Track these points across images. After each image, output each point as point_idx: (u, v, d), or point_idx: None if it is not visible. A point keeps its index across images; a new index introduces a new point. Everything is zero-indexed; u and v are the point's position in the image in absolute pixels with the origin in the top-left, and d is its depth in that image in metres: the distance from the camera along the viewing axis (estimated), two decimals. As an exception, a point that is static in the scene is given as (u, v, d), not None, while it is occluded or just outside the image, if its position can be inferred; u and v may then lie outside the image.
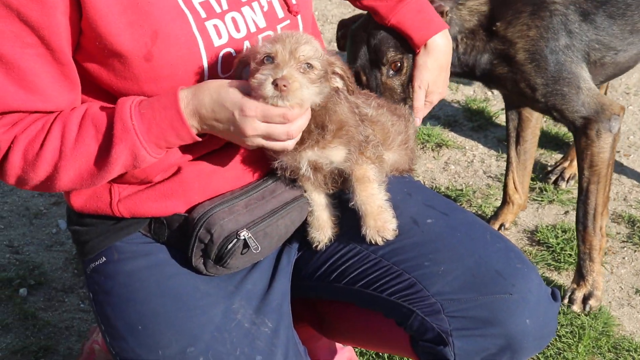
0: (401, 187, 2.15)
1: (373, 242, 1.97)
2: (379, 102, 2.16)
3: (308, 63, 1.77)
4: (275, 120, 1.75)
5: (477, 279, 1.93)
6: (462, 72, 2.98)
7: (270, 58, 1.76)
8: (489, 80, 3.01)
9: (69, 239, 3.51)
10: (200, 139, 1.84)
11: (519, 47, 2.84)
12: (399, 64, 2.56)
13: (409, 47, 2.48)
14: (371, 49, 2.60)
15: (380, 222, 1.96)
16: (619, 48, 2.93)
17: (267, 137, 1.79)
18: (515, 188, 3.44)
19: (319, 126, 1.88)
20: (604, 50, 2.91)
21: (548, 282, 3.20)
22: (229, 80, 1.80)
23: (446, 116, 4.36)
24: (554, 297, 2.01)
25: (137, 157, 1.80)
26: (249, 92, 1.76)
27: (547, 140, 4.11)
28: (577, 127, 2.88)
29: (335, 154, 1.93)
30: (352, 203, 1.97)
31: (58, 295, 3.21)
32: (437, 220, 2.06)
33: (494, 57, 2.90)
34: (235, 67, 1.86)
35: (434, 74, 2.42)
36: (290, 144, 1.83)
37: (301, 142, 1.88)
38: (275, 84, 1.71)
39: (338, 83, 1.89)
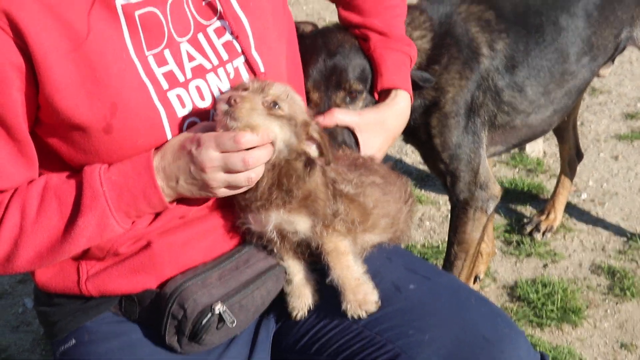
0: (380, 252, 2.09)
1: (355, 317, 1.89)
2: (370, 171, 2.05)
3: (275, 102, 1.75)
4: (227, 146, 1.70)
5: (464, 346, 1.86)
6: None
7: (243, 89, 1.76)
8: (407, 129, 2.84)
9: (36, 318, 3.39)
10: (170, 207, 1.79)
11: (450, 96, 2.75)
12: (356, 96, 2.44)
13: (368, 87, 2.41)
14: (333, 67, 2.44)
15: (361, 295, 1.88)
16: (529, 110, 2.91)
17: (227, 170, 1.73)
18: None
19: (284, 188, 1.82)
20: (513, 113, 2.89)
21: (530, 339, 3.13)
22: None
23: (418, 172, 4.33)
24: None
25: (105, 227, 1.75)
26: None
27: (522, 193, 4.09)
28: (459, 201, 2.86)
29: (299, 222, 1.87)
30: (329, 279, 1.89)
31: (26, 379, 3.09)
32: (420, 285, 2.00)
33: (423, 103, 2.76)
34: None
35: (378, 132, 2.31)
36: (252, 176, 1.76)
37: (268, 202, 1.83)
38: (229, 102, 1.70)
39: (312, 151, 1.83)
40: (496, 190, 2.87)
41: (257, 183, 1.81)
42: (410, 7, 2.81)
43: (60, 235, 1.75)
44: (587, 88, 3.15)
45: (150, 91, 1.78)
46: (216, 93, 1.87)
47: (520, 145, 3.17)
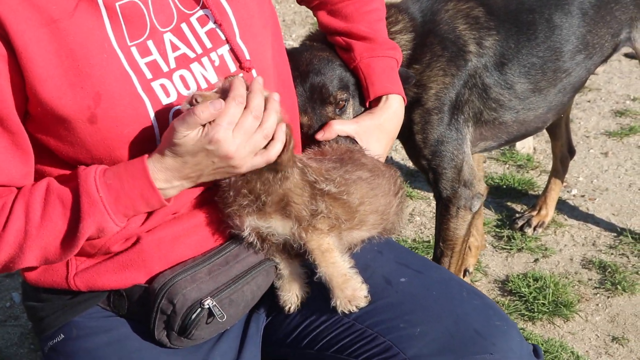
0: (371, 245, 2.08)
1: (346, 312, 1.89)
2: (357, 165, 2.02)
3: None
4: (234, 114, 1.69)
5: (455, 340, 1.86)
6: None
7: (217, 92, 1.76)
8: None
9: (24, 312, 3.36)
10: (168, 204, 1.79)
11: (432, 93, 2.75)
12: (344, 105, 2.43)
13: (352, 91, 2.40)
14: (311, 87, 2.42)
15: (349, 291, 1.87)
16: (520, 107, 2.91)
17: (248, 139, 1.71)
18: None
19: (254, 196, 1.82)
20: (500, 109, 2.87)
21: (522, 332, 3.12)
22: None
23: (409, 167, 4.32)
24: (537, 354, 1.95)
25: (104, 229, 1.75)
26: None
27: (512, 188, 4.09)
28: (442, 198, 2.85)
29: (276, 225, 1.86)
30: (317, 276, 1.88)
31: (15, 374, 3.07)
32: (411, 279, 1.99)
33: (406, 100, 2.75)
34: None
35: (378, 137, 2.31)
36: (267, 130, 1.73)
37: (241, 209, 1.83)
38: (192, 101, 1.70)
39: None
40: (481, 188, 2.86)
41: (228, 189, 1.81)
42: (391, 7, 2.80)
43: (65, 237, 1.75)
44: (583, 86, 3.14)
45: (134, 81, 1.77)
46: (201, 81, 1.86)
47: (514, 141, 3.17)
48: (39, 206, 1.74)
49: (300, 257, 1.94)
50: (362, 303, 1.89)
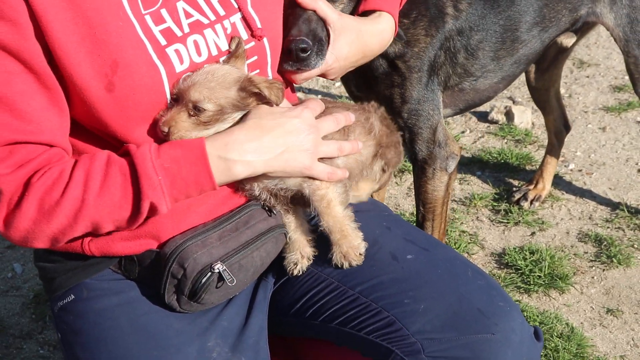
0: (380, 220, 2.11)
1: (339, 266, 1.94)
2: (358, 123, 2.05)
3: (195, 106, 1.80)
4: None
5: (458, 318, 1.88)
6: None
7: (174, 99, 1.82)
8: (373, 78, 2.78)
9: (26, 282, 3.41)
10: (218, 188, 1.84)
11: (415, 51, 2.73)
12: None
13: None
14: None
15: (345, 247, 1.93)
16: (478, 74, 2.92)
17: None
18: None
19: None
20: (464, 75, 2.88)
21: (518, 304, 3.18)
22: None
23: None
24: (537, 336, 1.96)
25: (155, 211, 1.78)
26: None
27: (510, 163, 4.12)
28: (418, 160, 2.85)
29: (284, 179, 1.91)
30: (321, 228, 1.94)
31: (16, 342, 3.10)
32: (417, 256, 2.01)
33: (391, 53, 2.70)
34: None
35: (352, 40, 2.23)
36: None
37: None
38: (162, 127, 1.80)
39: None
40: (455, 148, 2.86)
41: None
42: None
43: (120, 212, 1.76)
44: (535, 59, 3.16)
45: (149, 49, 1.78)
46: (213, 48, 1.88)
47: (464, 111, 3.12)
48: (98, 175, 1.74)
49: (306, 209, 1.99)
50: (356, 261, 1.93)
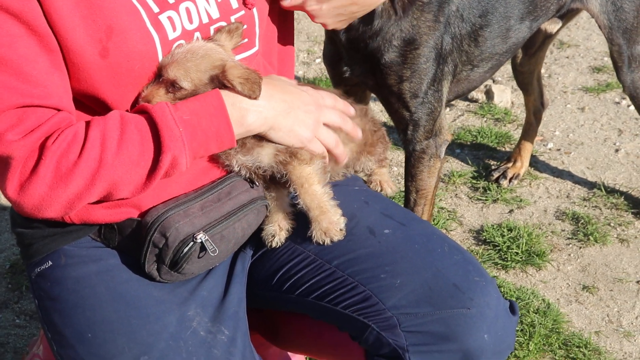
0: (358, 195, 2.11)
1: (320, 242, 1.94)
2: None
3: (173, 83, 1.80)
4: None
5: (434, 293, 1.89)
6: (354, 39, 2.61)
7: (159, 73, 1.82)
8: (371, 68, 2.68)
9: (1, 252, 3.37)
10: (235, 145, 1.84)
11: (425, 39, 2.64)
12: None
13: None
14: None
15: (325, 223, 1.92)
16: (475, 63, 2.90)
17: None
18: None
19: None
20: (466, 63, 2.86)
21: (495, 280, 3.20)
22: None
23: (388, 118, 4.35)
24: (512, 310, 1.98)
25: (175, 166, 1.74)
26: None
27: (489, 142, 4.14)
28: (416, 150, 2.81)
29: (259, 157, 1.90)
30: (299, 206, 1.93)
31: (-8, 311, 3.08)
32: (395, 231, 2.01)
33: (399, 39, 2.60)
34: None
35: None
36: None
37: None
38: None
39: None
40: (448, 135, 2.86)
41: None
42: None
43: (139, 170, 1.73)
44: (520, 47, 3.15)
45: (143, 15, 1.77)
46: (204, 16, 1.87)
47: (452, 100, 3.07)
48: (115, 134, 1.70)
49: (286, 189, 1.98)
50: (337, 236, 1.93)
